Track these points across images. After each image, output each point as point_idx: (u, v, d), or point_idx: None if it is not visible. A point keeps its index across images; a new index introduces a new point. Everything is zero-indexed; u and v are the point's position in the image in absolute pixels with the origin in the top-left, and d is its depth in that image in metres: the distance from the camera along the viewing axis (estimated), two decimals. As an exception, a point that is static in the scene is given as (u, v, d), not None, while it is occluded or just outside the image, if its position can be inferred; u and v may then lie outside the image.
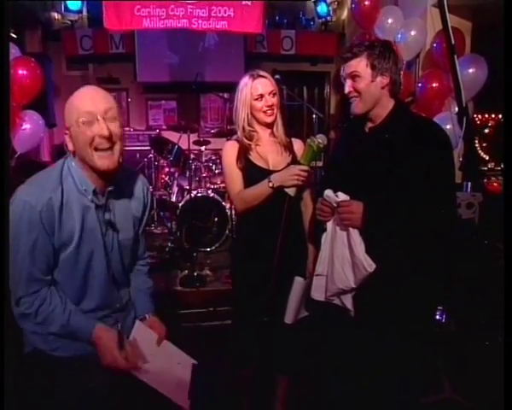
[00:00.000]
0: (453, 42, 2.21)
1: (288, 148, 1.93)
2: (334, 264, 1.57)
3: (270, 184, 1.75)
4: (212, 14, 3.44)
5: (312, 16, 6.42)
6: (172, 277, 3.93)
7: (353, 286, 1.54)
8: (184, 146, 4.77)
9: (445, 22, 2.22)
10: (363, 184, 1.58)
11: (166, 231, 5.01)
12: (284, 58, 6.36)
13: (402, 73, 3.45)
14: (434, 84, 3.35)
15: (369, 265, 1.48)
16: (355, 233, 1.52)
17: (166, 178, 5.33)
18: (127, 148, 5.67)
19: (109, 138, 1.30)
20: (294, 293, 1.79)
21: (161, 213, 5.35)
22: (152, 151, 5.44)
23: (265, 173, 1.80)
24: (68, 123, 1.34)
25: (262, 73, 1.88)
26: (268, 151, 1.91)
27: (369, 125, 1.63)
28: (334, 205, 1.55)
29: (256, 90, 1.82)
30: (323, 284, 1.64)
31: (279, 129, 1.92)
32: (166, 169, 5.37)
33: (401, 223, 1.50)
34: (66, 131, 1.35)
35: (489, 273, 2.61)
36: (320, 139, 1.68)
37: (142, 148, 5.88)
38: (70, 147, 1.36)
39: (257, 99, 1.83)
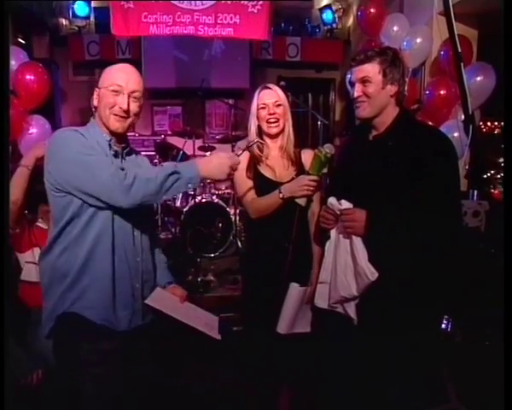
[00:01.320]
0: (459, 50, 2.20)
1: (296, 162, 1.96)
2: (337, 272, 1.56)
3: (281, 195, 1.77)
4: (219, 21, 3.46)
5: (318, 23, 6.42)
6: (176, 282, 3.91)
7: (356, 294, 1.53)
8: (189, 152, 4.81)
9: (452, 30, 2.22)
10: (366, 192, 1.57)
11: (170, 236, 5.01)
12: (289, 65, 6.38)
13: (407, 81, 3.45)
14: (442, 92, 3.35)
15: (371, 273, 1.46)
16: (358, 241, 1.51)
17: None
18: None
19: (126, 112, 1.50)
20: (289, 300, 1.78)
21: (165, 219, 5.38)
22: (157, 156, 5.44)
23: (273, 185, 1.86)
24: (101, 84, 1.53)
25: (269, 85, 1.96)
26: (275, 164, 1.95)
27: (374, 133, 1.63)
28: (338, 213, 1.55)
29: (261, 100, 1.90)
30: (326, 292, 1.63)
31: (288, 143, 1.95)
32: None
33: (405, 231, 1.49)
34: (97, 89, 1.54)
35: (496, 281, 2.58)
36: (328, 149, 1.68)
37: (147, 153, 5.86)
38: (95, 102, 1.55)
39: (261, 108, 1.89)
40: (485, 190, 2.45)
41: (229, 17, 3.48)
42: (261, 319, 1.85)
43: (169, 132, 6.30)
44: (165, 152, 5.14)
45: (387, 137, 1.58)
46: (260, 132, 1.95)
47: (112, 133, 1.54)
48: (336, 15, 6.22)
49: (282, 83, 3.86)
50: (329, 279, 1.61)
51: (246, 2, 3.49)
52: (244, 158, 1.92)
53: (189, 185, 1.45)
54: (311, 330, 1.84)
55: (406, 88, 1.67)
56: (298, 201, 1.74)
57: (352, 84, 1.61)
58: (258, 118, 1.92)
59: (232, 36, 3.61)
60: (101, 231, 1.46)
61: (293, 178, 1.86)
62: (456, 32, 2.22)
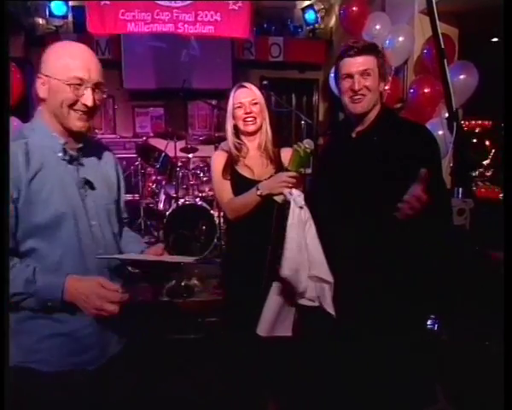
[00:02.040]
0: (443, 46, 2.18)
1: (275, 160, 1.91)
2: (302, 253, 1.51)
3: (259, 192, 1.72)
4: (199, 19, 3.38)
5: (300, 23, 6.42)
6: (159, 287, 3.82)
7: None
8: (172, 153, 4.72)
9: (435, 27, 2.20)
10: (352, 188, 1.53)
11: (154, 240, 4.91)
12: (272, 65, 6.35)
13: (391, 74, 3.44)
14: (426, 90, 3.35)
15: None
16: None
17: (153, 186, 5.24)
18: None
19: (92, 108, 1.24)
20: (270, 300, 1.70)
21: (148, 223, 5.29)
22: (138, 159, 5.35)
23: (251, 183, 1.80)
24: (49, 72, 1.22)
25: (245, 83, 1.92)
26: (253, 164, 1.90)
27: (358, 128, 1.59)
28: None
29: (237, 99, 1.86)
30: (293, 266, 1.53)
31: (266, 141, 1.91)
32: (153, 177, 5.29)
33: (393, 230, 1.44)
34: (41, 76, 1.23)
35: (481, 279, 2.57)
36: (307, 144, 1.62)
37: (129, 155, 5.78)
38: (42, 94, 1.25)
39: (238, 108, 1.86)
40: (469, 188, 2.44)
41: (209, 15, 3.40)
42: (242, 321, 1.77)
43: (151, 134, 6.19)
44: (147, 154, 5.06)
45: (372, 133, 1.55)
46: (237, 132, 1.91)
47: (70, 133, 1.27)
48: (319, 15, 6.22)
49: (265, 82, 3.81)
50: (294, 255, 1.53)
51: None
52: (221, 158, 1.90)
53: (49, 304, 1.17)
54: (293, 334, 1.77)
55: (387, 86, 1.66)
56: (276, 198, 1.67)
57: (347, 77, 1.52)
58: (234, 117, 1.88)
59: (213, 34, 3.52)
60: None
61: (271, 177, 1.80)
62: (439, 29, 2.19)
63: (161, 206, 4.89)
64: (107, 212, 1.37)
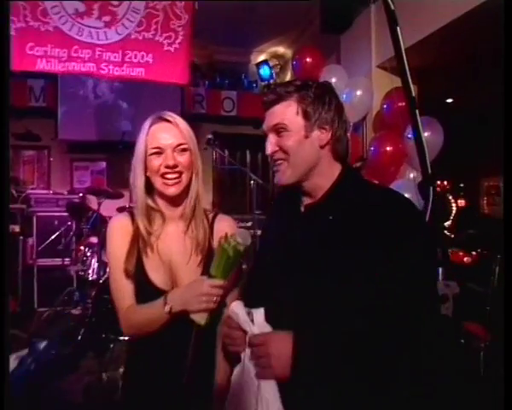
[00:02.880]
0: (414, 94, 1.80)
1: (204, 245, 1.25)
2: None
3: (167, 308, 1.12)
4: (127, 59, 2.89)
5: (255, 79, 6.25)
6: (76, 379, 3.09)
7: None
8: (106, 213, 4.14)
9: (404, 72, 1.82)
10: (298, 284, 1.01)
11: (78, 313, 4.23)
12: (225, 120, 6.08)
13: (350, 131, 3.09)
14: (388, 148, 3.00)
15: None
16: (269, 387, 0.90)
17: (87, 251, 4.58)
18: (44, 213, 5.04)
19: None
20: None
21: (76, 293, 4.56)
22: (70, 218, 4.77)
23: (163, 294, 1.17)
24: None
25: (167, 114, 1.22)
26: (173, 252, 1.24)
27: (306, 201, 1.08)
28: (247, 329, 0.95)
29: (154, 140, 1.18)
30: None
31: (196, 210, 1.25)
32: (89, 240, 4.65)
33: (357, 350, 0.92)
34: None
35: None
36: (240, 238, 1.07)
37: (61, 214, 5.16)
38: None
39: (154, 154, 1.18)
40: (449, 260, 2.01)
41: (139, 55, 2.91)
42: None
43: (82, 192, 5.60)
44: (79, 214, 4.49)
45: (326, 208, 1.03)
46: (151, 190, 1.24)
47: None
48: (273, 71, 6.07)
49: (209, 136, 3.37)
50: None
51: (161, 39, 2.99)
52: (122, 234, 1.23)
53: None
54: None
55: (348, 135, 1.08)
56: (194, 317, 1.10)
57: (266, 136, 1.07)
58: (148, 168, 1.19)
59: (143, 77, 3.02)
60: None
61: (201, 271, 1.21)
62: (408, 75, 1.82)
63: (94, 274, 4.21)
64: None
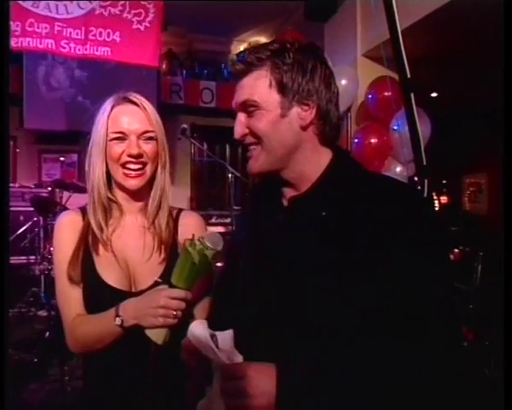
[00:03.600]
0: (408, 75, 1.63)
1: (167, 240, 1.10)
2: None
3: (118, 321, 0.95)
4: (90, 37, 2.62)
5: (235, 69, 6.05)
6: (37, 388, 2.87)
7: None
8: (74, 206, 3.89)
9: (399, 50, 1.63)
10: (280, 295, 0.80)
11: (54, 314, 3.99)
12: (204, 111, 5.86)
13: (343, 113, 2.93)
14: (373, 140, 2.84)
15: None
16: None
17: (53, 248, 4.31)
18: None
19: None
20: None
21: (42, 294, 4.30)
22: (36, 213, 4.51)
23: (118, 296, 1.01)
24: None
25: (133, 96, 1.07)
26: (129, 248, 1.08)
27: (290, 193, 0.87)
28: (214, 358, 0.74)
29: (115, 124, 1.03)
30: None
31: (156, 203, 1.09)
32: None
33: (356, 383, 0.71)
34: None
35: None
36: (209, 242, 0.88)
37: (27, 209, 4.89)
38: None
39: (114, 139, 1.03)
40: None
41: (105, 33, 2.63)
42: None
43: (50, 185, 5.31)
44: (46, 209, 4.23)
45: (314, 201, 0.82)
46: (110, 181, 1.08)
47: None
48: (262, 43, 5.90)
49: (184, 126, 3.16)
50: None
51: (130, 16, 2.73)
52: (69, 233, 1.06)
53: None
54: None
55: (340, 115, 0.83)
56: (150, 335, 0.91)
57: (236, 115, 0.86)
58: (107, 155, 1.04)
59: (108, 57, 2.76)
60: None
61: (155, 283, 1.00)
62: (404, 54, 1.64)
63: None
64: None
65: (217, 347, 0.74)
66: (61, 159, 5.60)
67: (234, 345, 0.75)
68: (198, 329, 0.77)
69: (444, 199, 5.22)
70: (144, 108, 1.06)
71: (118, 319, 0.94)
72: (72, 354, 3.06)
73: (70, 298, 1.03)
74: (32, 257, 4.65)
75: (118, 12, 2.69)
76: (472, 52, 3.57)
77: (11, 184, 5.40)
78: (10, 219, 4.60)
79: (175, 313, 0.90)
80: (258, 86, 0.81)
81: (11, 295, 4.35)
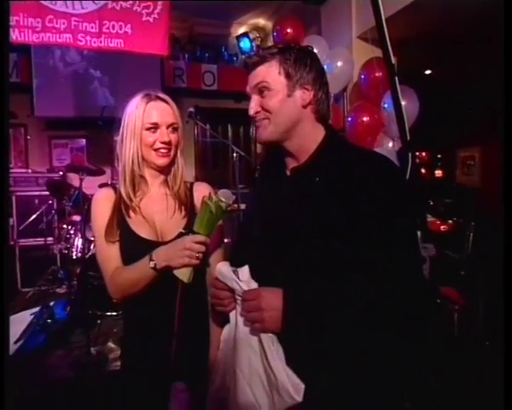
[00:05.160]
0: (393, 61, 1.84)
1: (186, 201, 1.37)
2: (239, 380, 0.98)
3: (152, 264, 1.19)
4: (104, 30, 2.82)
5: (235, 52, 6.16)
6: (65, 354, 3.12)
7: None
8: (89, 190, 4.10)
9: (383, 38, 1.84)
10: (284, 249, 1.05)
11: (63, 291, 4.27)
12: (206, 94, 6.01)
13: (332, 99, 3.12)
14: (365, 119, 3.05)
15: (296, 390, 0.91)
16: (269, 339, 0.96)
17: (70, 228, 4.55)
18: (23, 193, 4.92)
19: None
20: (172, 406, 1.19)
21: (61, 271, 4.56)
22: (51, 197, 4.70)
23: (150, 245, 1.26)
24: None
25: (162, 95, 1.34)
26: (155, 211, 1.34)
27: (291, 164, 1.12)
28: (238, 287, 1.00)
29: (150, 117, 1.29)
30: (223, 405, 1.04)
31: (177, 177, 1.38)
32: (72, 218, 4.62)
33: (347, 310, 0.97)
34: None
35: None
36: (223, 197, 1.14)
37: (42, 193, 5.07)
38: None
39: (149, 129, 1.29)
40: (427, 225, 2.09)
41: (117, 26, 2.84)
42: None
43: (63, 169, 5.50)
44: (60, 192, 4.43)
45: (312, 170, 1.07)
46: (139, 159, 1.33)
47: None
48: (254, 44, 6.00)
49: (191, 109, 3.36)
50: (225, 390, 1.03)
51: (139, 9, 2.92)
52: (104, 205, 1.32)
53: None
54: None
55: (331, 100, 1.10)
56: (177, 274, 1.15)
57: (250, 98, 1.11)
58: (142, 141, 1.29)
59: (122, 49, 2.96)
60: None
61: (180, 234, 1.26)
62: (388, 40, 1.85)
63: (78, 251, 4.21)
64: None
65: (238, 278, 1.00)
66: (69, 145, 5.85)
67: (250, 276, 1.01)
68: (223, 267, 1.04)
69: (438, 173, 5.41)
70: (172, 105, 1.33)
71: (151, 262, 1.18)
72: (94, 324, 3.35)
73: (110, 255, 1.28)
74: (50, 238, 4.87)
75: (128, 6, 2.88)
76: (464, 29, 3.67)
77: (24, 170, 5.63)
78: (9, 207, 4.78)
79: (197, 254, 1.14)
80: (270, 73, 1.06)
81: (29, 275, 4.61)
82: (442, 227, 3.74)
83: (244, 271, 1.01)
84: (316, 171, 1.06)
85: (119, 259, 1.28)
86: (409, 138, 1.86)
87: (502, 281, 1.05)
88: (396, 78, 1.83)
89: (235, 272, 1.01)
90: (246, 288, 0.99)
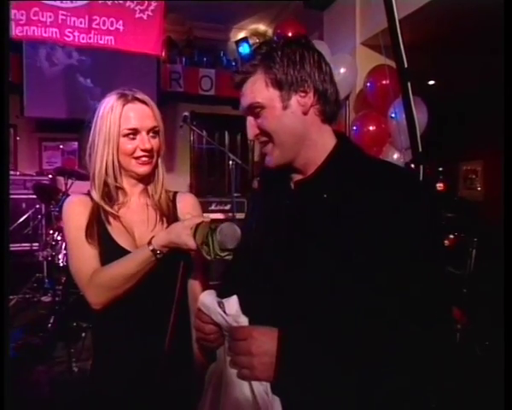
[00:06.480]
0: (406, 65, 1.69)
1: (169, 214, 1.26)
2: None
3: (151, 247, 1.08)
4: (94, 26, 2.65)
5: (234, 57, 6.03)
6: (44, 371, 2.94)
7: None
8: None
9: (397, 41, 1.69)
10: (282, 279, 0.88)
11: (48, 299, 4.08)
12: (203, 99, 5.86)
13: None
14: (371, 128, 2.90)
15: None
16: (263, 389, 0.79)
17: (56, 235, 4.37)
18: (10, 196, 4.72)
19: None
20: None
21: (46, 280, 4.38)
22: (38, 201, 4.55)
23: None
24: None
25: (140, 95, 1.19)
26: (135, 221, 1.22)
27: (296, 176, 0.95)
28: (223, 323, 0.83)
29: (128, 122, 1.14)
30: None
31: (158, 186, 1.26)
32: (59, 224, 4.45)
33: (356, 365, 0.78)
34: None
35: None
36: (226, 240, 1.18)
37: (29, 196, 4.93)
38: None
39: (127, 136, 1.15)
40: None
41: (108, 22, 2.66)
42: None
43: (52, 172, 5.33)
44: (48, 196, 4.27)
45: (319, 185, 0.89)
46: (114, 168, 1.19)
47: None
48: (253, 49, 5.88)
49: (186, 113, 3.21)
50: None
51: (132, 5, 2.76)
52: (81, 209, 1.18)
53: None
54: None
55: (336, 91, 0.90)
56: (188, 242, 1.05)
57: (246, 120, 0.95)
58: (120, 149, 1.15)
59: (112, 46, 2.78)
60: None
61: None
62: (401, 42, 1.70)
63: (62, 259, 4.03)
64: None
65: (224, 312, 0.82)
66: (61, 147, 5.67)
67: (240, 310, 0.83)
68: (207, 298, 0.86)
69: (440, 186, 5.27)
70: (152, 106, 1.19)
71: (150, 246, 1.07)
72: (78, 338, 3.18)
73: (89, 255, 1.14)
74: (36, 244, 4.70)
75: (121, 1, 2.73)
76: (469, 40, 3.59)
77: (12, 172, 5.45)
78: (10, 209, 4.65)
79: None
80: (257, 88, 0.88)
81: (12, 282, 4.44)
82: (444, 242, 3.60)
83: (231, 302, 0.83)
84: (324, 185, 0.88)
85: (98, 261, 1.13)
86: (420, 150, 1.70)
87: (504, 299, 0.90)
88: (409, 84, 1.67)
89: (221, 304, 0.84)
90: (234, 323, 0.82)
